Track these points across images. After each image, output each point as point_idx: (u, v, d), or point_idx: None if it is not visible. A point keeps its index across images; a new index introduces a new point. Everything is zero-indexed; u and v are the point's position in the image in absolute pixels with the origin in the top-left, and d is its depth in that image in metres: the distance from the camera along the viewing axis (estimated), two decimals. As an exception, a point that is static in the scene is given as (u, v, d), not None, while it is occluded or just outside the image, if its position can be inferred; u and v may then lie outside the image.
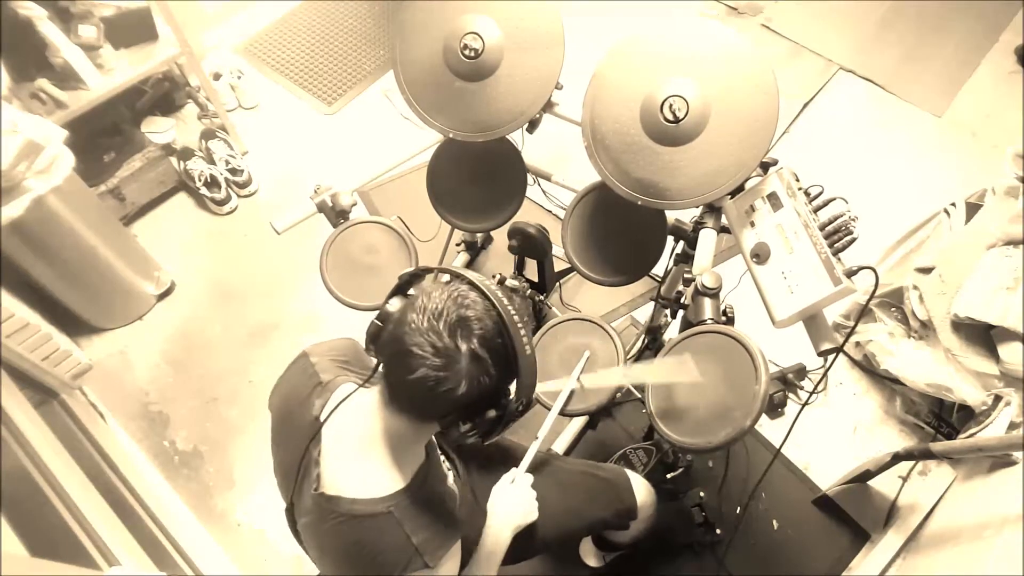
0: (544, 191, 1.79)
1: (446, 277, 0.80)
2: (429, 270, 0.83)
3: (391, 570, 0.81)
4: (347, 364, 0.98)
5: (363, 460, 0.84)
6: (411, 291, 0.81)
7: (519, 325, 0.76)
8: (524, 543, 1.14)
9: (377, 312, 0.84)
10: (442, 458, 1.12)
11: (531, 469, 1.15)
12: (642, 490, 1.30)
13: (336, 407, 0.86)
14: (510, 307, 0.76)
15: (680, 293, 1.28)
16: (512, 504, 1.10)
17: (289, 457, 0.90)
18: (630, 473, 1.31)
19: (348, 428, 0.86)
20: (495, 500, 1.10)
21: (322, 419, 0.87)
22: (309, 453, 0.87)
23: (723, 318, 1.16)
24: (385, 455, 0.84)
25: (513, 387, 0.81)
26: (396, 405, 0.80)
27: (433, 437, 0.98)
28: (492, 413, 0.79)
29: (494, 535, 1.06)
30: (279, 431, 0.97)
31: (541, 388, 1.31)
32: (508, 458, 1.25)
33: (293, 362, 1.00)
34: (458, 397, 0.73)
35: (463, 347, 0.72)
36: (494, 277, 1.91)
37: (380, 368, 0.82)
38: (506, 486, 1.12)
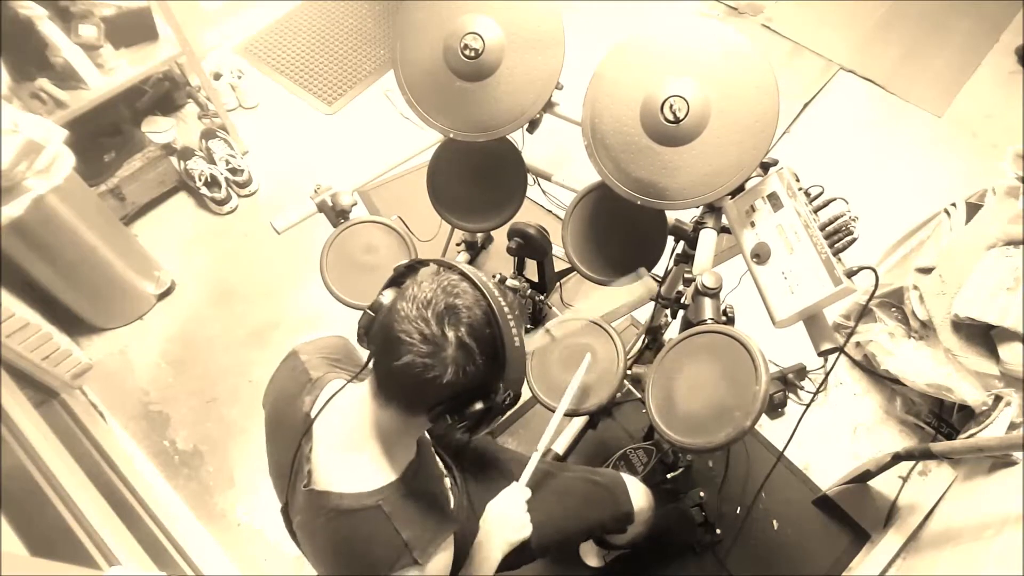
0: (544, 191, 1.79)
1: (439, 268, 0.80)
2: (424, 263, 0.83)
3: (381, 567, 0.80)
4: (337, 362, 0.98)
5: (353, 455, 0.84)
6: (405, 283, 0.80)
7: (509, 317, 0.76)
8: (522, 550, 1.12)
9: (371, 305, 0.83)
10: (439, 463, 1.12)
11: (529, 480, 1.13)
12: (639, 495, 1.29)
13: (327, 403, 0.86)
14: (501, 299, 0.76)
15: (680, 293, 1.28)
16: (505, 519, 1.07)
17: (283, 456, 0.90)
18: (627, 478, 1.31)
19: (338, 423, 0.85)
20: (489, 514, 1.08)
21: (313, 415, 0.87)
22: (301, 450, 0.87)
23: (723, 318, 1.17)
24: (375, 449, 0.83)
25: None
26: (384, 395, 0.79)
27: (428, 436, 0.98)
28: (479, 406, 0.77)
29: (484, 550, 1.04)
30: (272, 431, 0.97)
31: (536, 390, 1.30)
32: (506, 470, 1.24)
33: (283, 361, 0.99)
34: (444, 385, 0.72)
35: (450, 335, 0.72)
36: (494, 277, 1.91)
37: (371, 361, 0.81)
38: (501, 501, 1.10)
